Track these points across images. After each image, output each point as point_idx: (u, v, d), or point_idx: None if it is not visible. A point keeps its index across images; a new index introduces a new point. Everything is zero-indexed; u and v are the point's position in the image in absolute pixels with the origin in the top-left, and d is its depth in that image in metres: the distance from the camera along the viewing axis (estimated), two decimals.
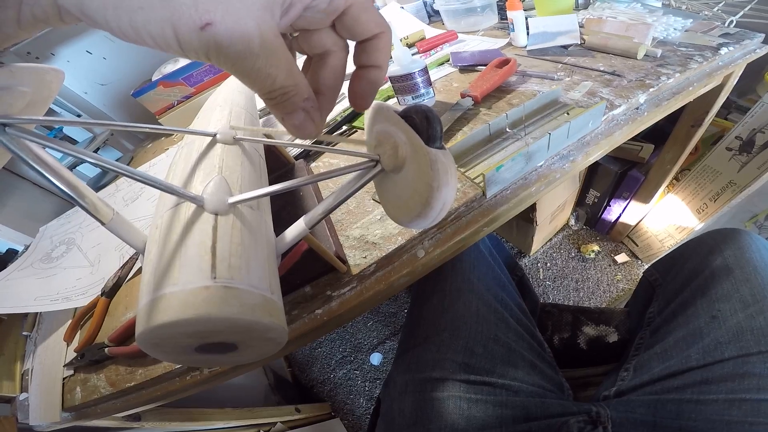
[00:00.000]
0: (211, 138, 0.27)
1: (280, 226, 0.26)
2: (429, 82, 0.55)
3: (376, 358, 1.24)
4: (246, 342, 0.19)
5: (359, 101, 0.24)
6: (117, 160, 1.05)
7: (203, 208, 0.20)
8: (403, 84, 0.53)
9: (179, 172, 0.24)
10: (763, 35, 0.59)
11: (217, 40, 0.16)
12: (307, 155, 0.57)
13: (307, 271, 0.37)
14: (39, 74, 0.21)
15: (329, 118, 0.67)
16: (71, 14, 0.16)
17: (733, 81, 0.64)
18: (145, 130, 0.23)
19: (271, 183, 0.27)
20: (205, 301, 0.16)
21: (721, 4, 0.71)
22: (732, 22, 0.65)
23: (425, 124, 0.21)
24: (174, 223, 0.20)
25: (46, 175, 0.18)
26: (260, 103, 0.82)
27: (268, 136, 0.35)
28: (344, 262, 0.39)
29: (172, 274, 0.17)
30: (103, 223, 0.20)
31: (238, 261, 0.18)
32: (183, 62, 0.92)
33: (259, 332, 0.18)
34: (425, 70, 0.54)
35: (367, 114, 0.27)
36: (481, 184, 0.41)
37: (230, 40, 0.17)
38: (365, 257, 0.40)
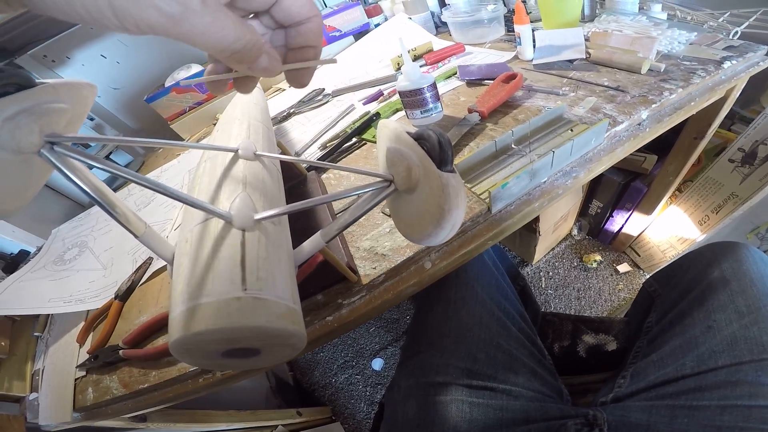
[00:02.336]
0: (233, 153, 0.28)
1: (293, 236, 0.28)
2: (437, 97, 0.56)
3: (377, 364, 1.25)
4: (269, 348, 0.21)
5: (300, 79, 0.27)
6: (127, 165, 1.07)
7: (231, 225, 0.22)
8: (412, 99, 0.55)
9: (205, 187, 0.25)
10: (767, 47, 0.59)
11: (155, 3, 0.17)
12: (318, 167, 0.58)
13: (321, 280, 0.39)
14: (76, 89, 0.23)
15: (339, 129, 0.69)
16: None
17: (736, 94, 0.64)
18: (176, 146, 0.25)
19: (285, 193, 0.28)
20: (237, 310, 0.18)
21: (726, 15, 0.72)
22: (737, 33, 0.65)
23: (437, 148, 0.22)
24: (204, 238, 0.21)
25: (89, 192, 0.19)
26: (272, 113, 0.84)
27: (282, 148, 0.36)
28: (355, 272, 0.40)
29: (206, 286, 0.19)
30: (136, 236, 0.22)
31: (265, 273, 0.20)
32: (195, 69, 0.94)
33: (283, 339, 0.20)
34: (434, 86, 0.55)
35: (380, 134, 0.29)
36: (487, 200, 0.42)
37: (166, 3, 0.17)
38: (375, 268, 0.41)
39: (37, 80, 0.19)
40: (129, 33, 0.18)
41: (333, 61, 0.29)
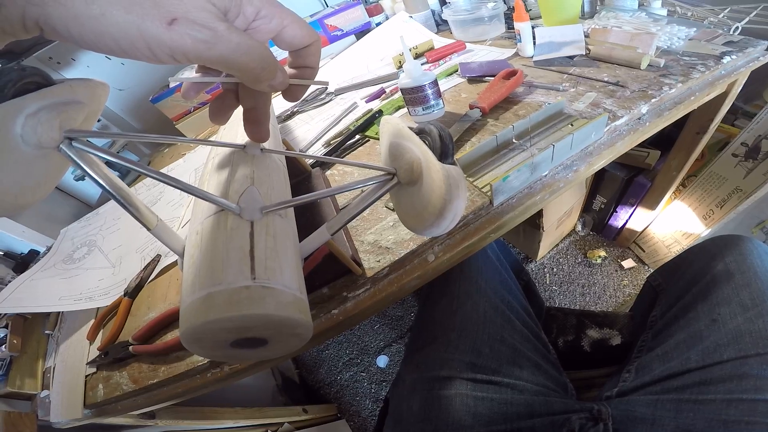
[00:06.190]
0: (240, 149, 0.29)
1: (299, 231, 0.29)
2: (439, 94, 0.57)
3: (382, 361, 1.26)
4: (276, 337, 0.21)
5: (296, 94, 0.29)
6: None
7: (241, 217, 0.22)
8: (414, 96, 0.55)
9: (214, 181, 0.26)
10: (767, 43, 0.59)
11: (187, 31, 0.19)
12: (322, 163, 0.59)
13: (326, 273, 0.40)
14: (91, 87, 0.23)
15: (342, 127, 0.70)
16: (35, 26, 0.17)
17: (737, 89, 0.64)
18: (187, 142, 0.25)
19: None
20: (247, 299, 0.19)
21: (726, 11, 0.72)
22: (737, 28, 0.65)
23: (438, 141, 0.23)
24: (214, 230, 0.22)
25: (105, 185, 0.20)
26: (275, 111, 0.84)
27: (287, 145, 0.37)
28: (360, 265, 0.41)
29: (216, 276, 0.19)
30: (149, 229, 0.23)
31: (272, 263, 0.21)
32: None
33: (290, 327, 0.21)
34: (435, 82, 0.56)
35: (383, 129, 0.30)
36: (489, 193, 0.43)
37: (197, 29, 0.19)
38: (379, 261, 0.42)
39: (55, 79, 0.20)
40: (159, 63, 0.20)
41: (325, 83, 0.32)
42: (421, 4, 0.98)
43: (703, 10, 0.75)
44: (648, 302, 0.60)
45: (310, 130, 0.74)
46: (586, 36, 0.70)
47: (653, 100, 0.51)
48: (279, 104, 0.89)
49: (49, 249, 0.78)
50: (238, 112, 0.30)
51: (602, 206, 1.20)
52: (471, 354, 0.49)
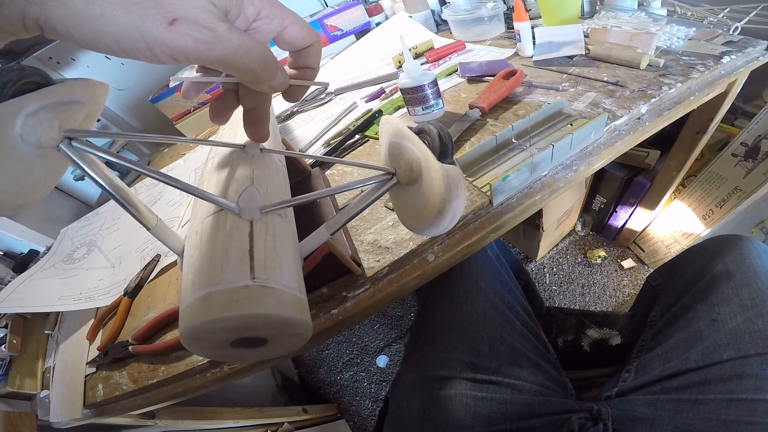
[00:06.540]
0: (240, 149, 0.29)
1: (299, 231, 0.29)
2: (438, 94, 0.57)
3: (382, 361, 1.26)
4: (276, 336, 0.21)
5: (296, 94, 0.29)
6: None
7: (240, 216, 0.22)
8: (414, 96, 0.55)
9: (214, 181, 0.26)
10: (767, 42, 0.59)
11: (187, 32, 0.19)
12: (322, 163, 0.59)
13: (326, 273, 0.40)
14: (91, 87, 0.23)
15: (342, 127, 0.70)
16: (35, 25, 0.17)
17: (737, 88, 0.64)
18: (186, 142, 0.25)
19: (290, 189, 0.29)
20: (246, 298, 0.19)
21: (726, 11, 0.72)
22: (737, 28, 0.65)
23: (438, 141, 0.23)
24: (214, 230, 0.22)
25: (104, 185, 0.20)
26: (275, 111, 0.84)
27: (286, 145, 0.37)
28: (359, 265, 0.41)
29: (216, 275, 0.19)
30: (148, 229, 0.23)
31: (272, 263, 0.21)
32: None
33: (289, 327, 0.20)
34: (435, 82, 0.56)
35: (382, 129, 0.30)
36: (488, 193, 0.43)
37: (197, 29, 0.19)
38: (378, 261, 0.42)
39: (55, 79, 0.20)
40: (159, 63, 0.20)
41: (326, 83, 0.32)
42: (421, 3, 0.98)
43: (702, 9, 0.75)
44: (648, 302, 0.60)
45: (310, 129, 0.74)
46: (586, 36, 0.70)
47: (653, 100, 0.51)
48: (279, 104, 0.89)
49: (48, 249, 0.78)
50: (238, 112, 0.30)
51: (602, 206, 1.20)
52: (471, 354, 0.49)
